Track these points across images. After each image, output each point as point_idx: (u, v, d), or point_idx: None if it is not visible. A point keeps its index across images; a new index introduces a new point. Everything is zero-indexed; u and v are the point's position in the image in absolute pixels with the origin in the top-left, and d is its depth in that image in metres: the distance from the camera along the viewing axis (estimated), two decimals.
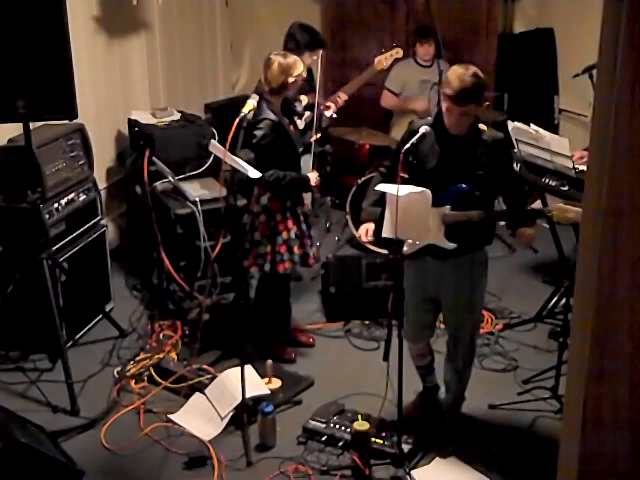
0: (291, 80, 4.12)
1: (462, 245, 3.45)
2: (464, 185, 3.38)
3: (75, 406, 3.99)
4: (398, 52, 5.26)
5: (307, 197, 5.50)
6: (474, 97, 3.28)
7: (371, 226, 3.69)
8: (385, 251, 5.36)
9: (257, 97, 4.07)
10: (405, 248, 3.50)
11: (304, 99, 4.72)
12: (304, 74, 4.25)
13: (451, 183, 3.40)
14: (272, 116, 4.09)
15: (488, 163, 3.41)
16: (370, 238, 3.72)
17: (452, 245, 3.44)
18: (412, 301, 3.61)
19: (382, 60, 5.24)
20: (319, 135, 4.62)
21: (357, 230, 5.63)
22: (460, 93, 3.23)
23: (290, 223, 4.26)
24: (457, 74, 3.26)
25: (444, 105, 3.34)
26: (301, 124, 4.68)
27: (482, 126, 3.49)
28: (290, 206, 4.26)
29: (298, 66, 4.14)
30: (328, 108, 4.99)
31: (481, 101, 3.39)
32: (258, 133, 4.05)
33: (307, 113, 4.77)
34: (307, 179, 4.28)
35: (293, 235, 4.26)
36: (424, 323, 3.74)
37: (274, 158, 4.12)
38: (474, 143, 3.42)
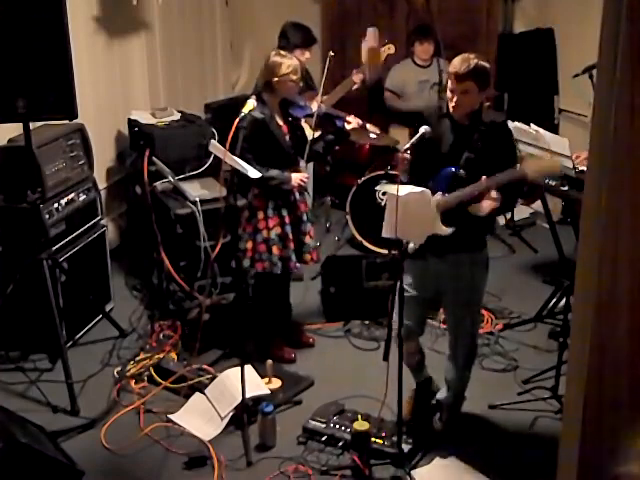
0: (275, 79, 4.08)
1: (460, 230, 3.41)
2: (451, 168, 3.40)
3: (75, 406, 3.99)
4: (390, 48, 5.25)
5: (308, 198, 5.48)
6: (474, 75, 3.34)
7: None
8: (385, 251, 5.37)
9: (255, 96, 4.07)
10: (411, 245, 3.48)
11: (314, 106, 4.61)
12: (292, 76, 4.12)
13: (445, 164, 3.43)
14: (257, 114, 4.02)
15: (483, 147, 3.41)
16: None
17: (449, 230, 3.39)
18: (410, 300, 3.61)
19: None
20: (318, 133, 4.52)
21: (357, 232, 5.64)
22: (461, 69, 3.33)
23: (272, 223, 4.22)
24: (462, 56, 3.41)
25: (449, 87, 3.41)
26: (307, 131, 4.59)
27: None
28: (274, 206, 4.22)
29: (283, 67, 4.07)
30: (349, 122, 4.68)
31: (484, 85, 3.40)
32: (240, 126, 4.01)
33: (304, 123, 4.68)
34: (284, 180, 4.16)
35: (274, 235, 4.22)
36: (417, 322, 3.73)
37: (254, 156, 4.03)
38: (475, 130, 3.45)
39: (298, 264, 4.33)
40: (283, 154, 4.19)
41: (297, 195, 4.30)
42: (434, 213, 3.40)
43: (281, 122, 4.23)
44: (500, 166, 3.40)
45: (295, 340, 4.61)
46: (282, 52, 4.23)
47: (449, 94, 3.42)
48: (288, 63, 4.10)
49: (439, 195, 3.41)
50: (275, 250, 4.23)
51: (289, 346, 4.53)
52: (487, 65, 3.41)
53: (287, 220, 4.26)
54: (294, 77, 4.13)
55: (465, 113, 3.44)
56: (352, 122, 4.57)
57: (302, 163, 4.40)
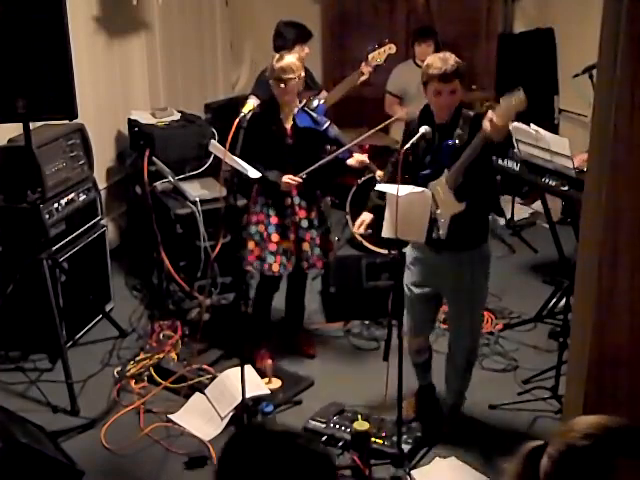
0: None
1: (458, 227, 3.42)
2: (449, 142, 3.40)
3: (75, 406, 3.99)
4: (391, 47, 5.25)
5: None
6: (459, 74, 3.37)
7: (368, 217, 3.73)
8: (385, 250, 5.37)
9: (254, 97, 4.05)
10: (441, 231, 3.46)
11: (327, 124, 4.38)
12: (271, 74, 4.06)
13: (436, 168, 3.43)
14: (258, 110, 4.01)
15: (469, 138, 3.39)
16: (362, 231, 3.74)
17: (463, 205, 3.39)
18: (413, 293, 3.62)
19: (375, 56, 5.25)
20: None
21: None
22: (446, 70, 3.33)
23: (255, 218, 4.20)
24: (437, 57, 3.42)
25: (431, 89, 3.38)
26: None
27: (466, 111, 3.51)
28: (262, 204, 4.19)
29: (269, 68, 4.11)
30: (352, 157, 4.30)
31: (465, 81, 3.43)
32: (240, 126, 3.95)
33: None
34: (275, 181, 4.08)
35: (253, 231, 4.19)
36: (424, 317, 3.73)
37: (251, 153, 3.99)
38: (456, 127, 3.44)
39: (275, 268, 4.20)
40: (279, 157, 4.11)
41: (296, 200, 4.20)
42: (446, 191, 3.40)
43: (288, 126, 4.15)
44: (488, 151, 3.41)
45: (297, 347, 4.57)
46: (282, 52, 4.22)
47: (432, 96, 3.39)
48: (273, 58, 4.09)
49: (445, 173, 3.41)
50: (251, 245, 4.20)
51: (274, 355, 4.40)
52: (462, 61, 3.42)
53: (273, 221, 4.18)
54: (267, 73, 4.09)
55: (451, 112, 3.43)
56: (357, 158, 4.22)
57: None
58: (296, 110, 4.15)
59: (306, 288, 4.58)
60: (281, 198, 4.19)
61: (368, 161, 4.25)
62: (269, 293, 4.46)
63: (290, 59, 4.08)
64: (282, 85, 4.04)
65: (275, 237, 4.20)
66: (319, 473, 1.45)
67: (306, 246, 4.24)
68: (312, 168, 4.11)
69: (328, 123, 4.23)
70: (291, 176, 4.08)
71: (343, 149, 4.14)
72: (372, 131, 4.22)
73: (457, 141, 3.39)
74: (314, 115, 4.19)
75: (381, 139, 6.18)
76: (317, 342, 4.68)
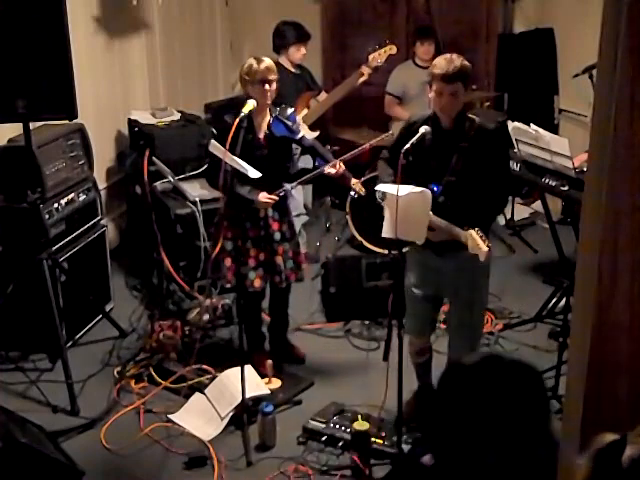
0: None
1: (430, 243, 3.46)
2: (435, 187, 3.41)
3: (75, 406, 4.00)
4: (392, 48, 5.26)
5: (299, 200, 5.40)
6: (462, 76, 3.36)
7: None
8: (385, 250, 5.37)
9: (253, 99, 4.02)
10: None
11: (304, 129, 4.26)
12: (245, 76, 3.96)
13: (431, 175, 3.43)
14: (230, 117, 3.87)
15: (466, 162, 3.41)
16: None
17: (421, 242, 3.44)
18: (414, 294, 3.61)
19: (376, 57, 5.25)
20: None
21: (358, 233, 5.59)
22: (449, 71, 3.33)
23: (230, 234, 4.03)
24: (443, 57, 3.42)
25: (433, 88, 3.39)
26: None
27: (472, 116, 3.52)
28: (237, 217, 4.01)
29: (243, 68, 3.98)
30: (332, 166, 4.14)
31: (467, 85, 3.44)
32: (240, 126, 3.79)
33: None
34: (252, 199, 3.97)
35: (229, 247, 4.04)
36: (425, 317, 3.73)
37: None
38: (460, 137, 3.44)
39: (257, 284, 4.15)
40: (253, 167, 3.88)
41: (270, 212, 4.11)
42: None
43: (261, 135, 4.05)
44: (489, 171, 3.42)
45: (287, 354, 4.51)
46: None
47: (434, 96, 3.40)
48: (248, 63, 3.97)
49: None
50: (227, 262, 4.11)
51: (272, 358, 4.32)
52: (469, 64, 3.42)
53: (250, 234, 4.10)
54: (247, 77, 3.95)
55: (452, 116, 3.43)
56: (334, 167, 4.06)
57: (287, 185, 4.12)
58: (271, 119, 4.07)
59: (289, 300, 4.48)
60: (256, 210, 4.09)
61: (344, 168, 4.14)
62: (256, 303, 4.40)
63: (269, 60, 4.02)
64: (267, 86, 3.94)
65: (253, 252, 4.13)
66: (525, 379, 1.75)
67: (279, 259, 4.17)
68: (293, 185, 4.11)
69: (306, 130, 4.19)
70: (266, 194, 3.99)
71: (327, 166, 4.07)
72: (359, 150, 4.26)
73: (444, 199, 3.41)
74: (289, 123, 4.10)
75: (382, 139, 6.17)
76: (317, 342, 4.68)
